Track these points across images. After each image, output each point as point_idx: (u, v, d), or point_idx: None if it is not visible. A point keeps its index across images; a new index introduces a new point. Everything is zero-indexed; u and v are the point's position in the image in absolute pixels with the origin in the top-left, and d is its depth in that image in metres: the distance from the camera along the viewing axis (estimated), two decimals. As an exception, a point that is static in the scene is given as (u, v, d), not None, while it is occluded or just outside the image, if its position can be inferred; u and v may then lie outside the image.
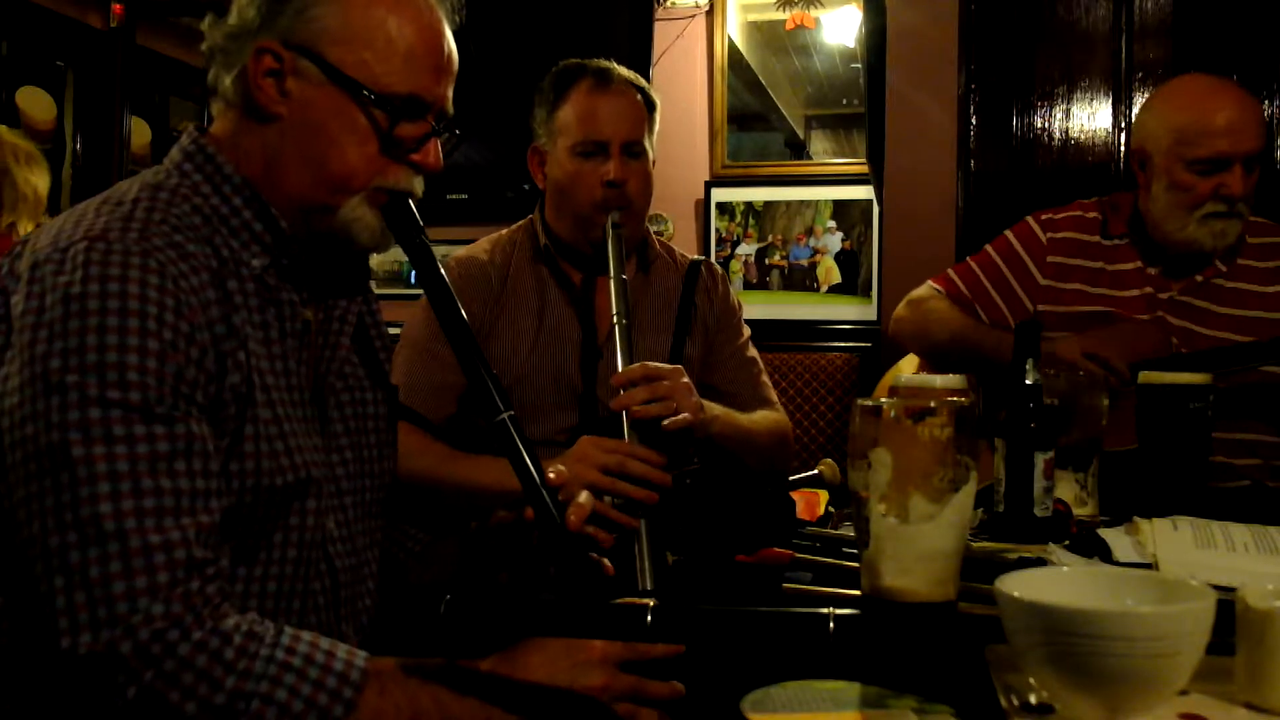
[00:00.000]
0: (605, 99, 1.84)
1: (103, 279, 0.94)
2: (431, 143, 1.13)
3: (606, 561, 1.16)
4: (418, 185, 1.15)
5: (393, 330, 1.35)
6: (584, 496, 1.16)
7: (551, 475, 1.11)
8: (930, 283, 2.29)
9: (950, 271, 2.27)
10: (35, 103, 3.98)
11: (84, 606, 0.88)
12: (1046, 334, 1.85)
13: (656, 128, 1.93)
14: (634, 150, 1.85)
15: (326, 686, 0.91)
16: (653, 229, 2.06)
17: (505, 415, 1.10)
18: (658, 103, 1.93)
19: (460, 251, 1.98)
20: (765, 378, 2.04)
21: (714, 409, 1.75)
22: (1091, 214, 2.17)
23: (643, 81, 1.92)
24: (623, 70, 1.90)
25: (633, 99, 1.87)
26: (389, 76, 1.09)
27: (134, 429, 0.92)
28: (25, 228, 2.84)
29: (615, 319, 1.69)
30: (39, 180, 2.88)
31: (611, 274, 1.74)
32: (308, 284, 1.14)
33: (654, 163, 1.93)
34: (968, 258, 2.29)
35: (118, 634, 0.87)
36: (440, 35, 1.14)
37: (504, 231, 2.00)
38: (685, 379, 1.66)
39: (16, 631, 0.98)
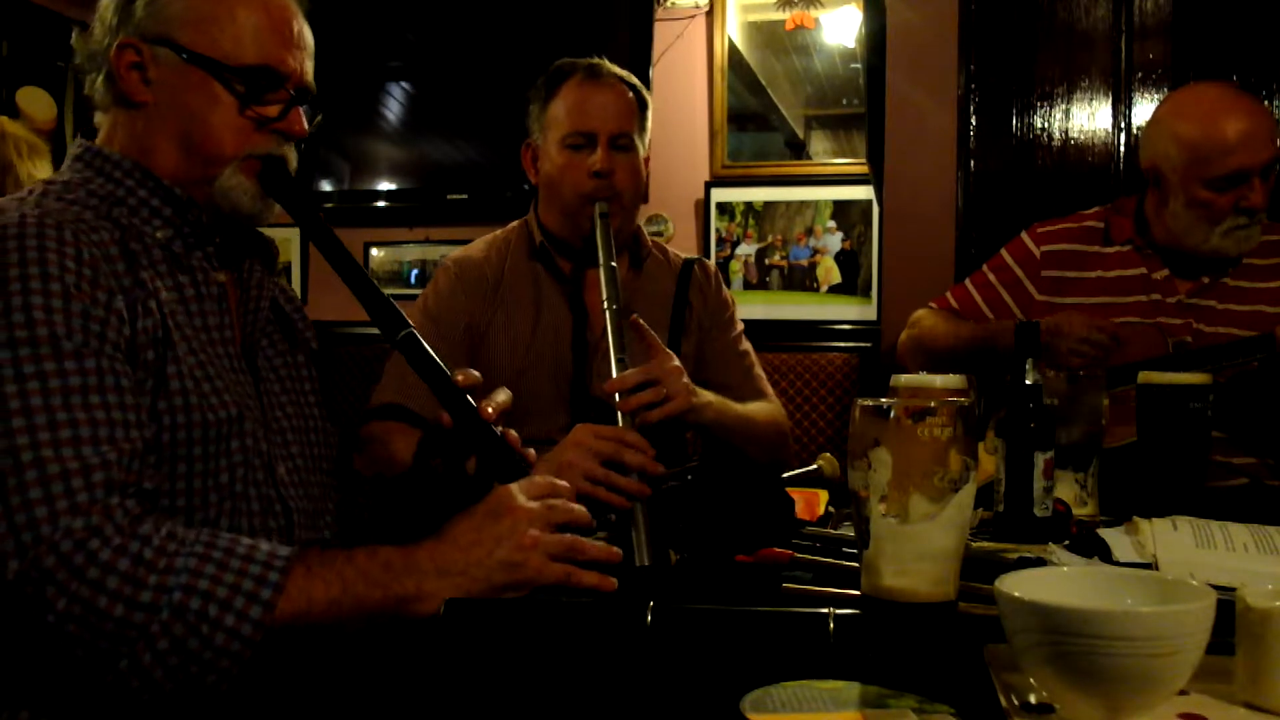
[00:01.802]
0: (594, 91, 1.87)
1: (1, 239, 0.99)
2: (294, 111, 1.21)
3: (531, 451, 1.21)
4: (289, 153, 1.22)
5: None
6: (503, 394, 1.20)
7: (460, 378, 1.16)
8: (930, 304, 2.31)
9: (947, 293, 2.29)
10: (35, 102, 3.98)
11: (8, 534, 0.91)
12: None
13: (649, 125, 1.95)
14: (621, 143, 1.87)
15: (250, 573, 0.94)
16: (653, 229, 2.08)
17: (407, 330, 1.16)
18: (649, 100, 1.95)
19: (456, 252, 2.00)
20: (759, 370, 2.05)
21: (707, 396, 1.76)
22: (1090, 223, 2.17)
23: (634, 79, 1.94)
24: (613, 66, 1.93)
25: (621, 92, 1.89)
26: (240, 50, 1.17)
27: (44, 365, 0.96)
28: None
29: (605, 305, 1.69)
30: (42, 174, 2.85)
31: (600, 261, 1.75)
32: (217, 250, 1.21)
33: (647, 160, 1.94)
34: (965, 279, 2.30)
35: (42, 550, 0.90)
36: (287, 12, 1.22)
37: (500, 231, 2.02)
38: (676, 363, 1.67)
39: None
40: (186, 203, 1.16)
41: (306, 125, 1.23)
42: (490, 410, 1.17)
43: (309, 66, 1.24)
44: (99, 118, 1.22)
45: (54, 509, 0.91)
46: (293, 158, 1.22)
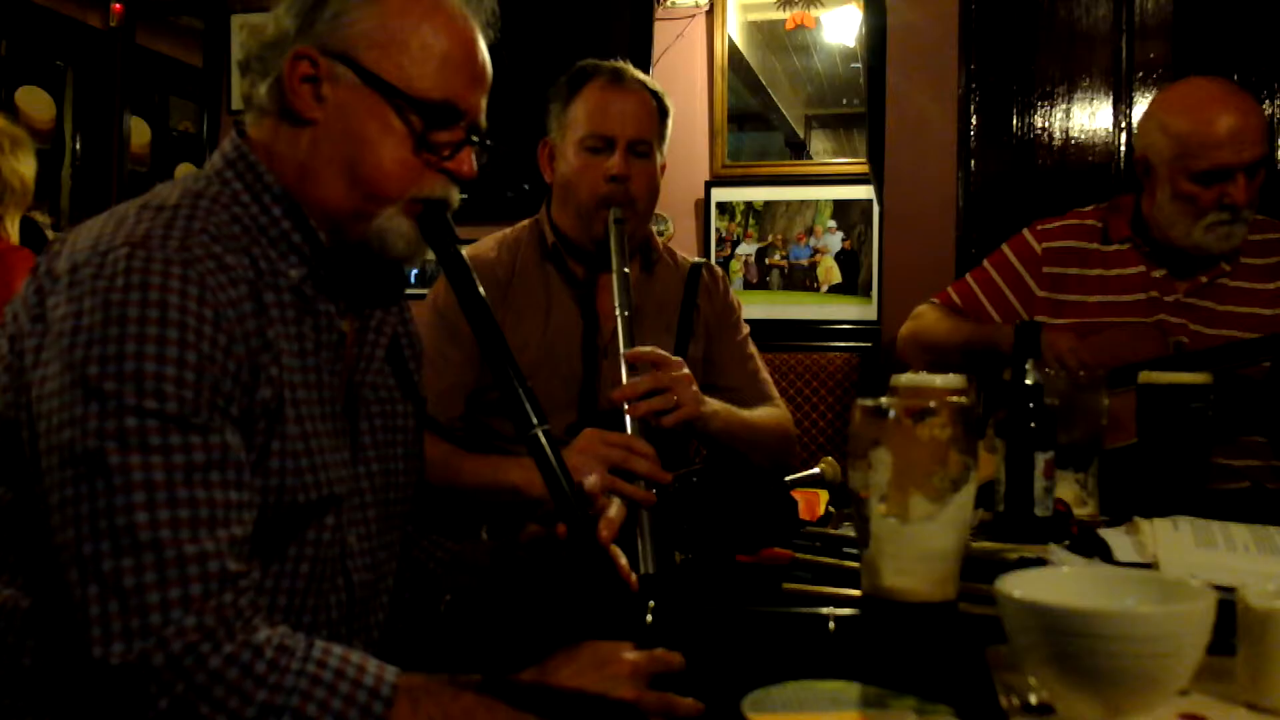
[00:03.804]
0: (616, 96, 1.86)
1: (143, 287, 0.94)
2: (465, 151, 1.14)
3: (634, 577, 1.16)
4: (454, 195, 1.15)
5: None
6: (614, 510, 1.16)
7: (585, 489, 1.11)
8: (931, 299, 2.31)
9: (949, 289, 2.29)
10: (35, 102, 3.98)
11: (117, 616, 0.87)
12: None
13: (668, 133, 1.95)
14: (640, 149, 1.86)
15: (357, 701, 0.90)
16: (653, 229, 2.08)
17: (539, 429, 1.09)
18: (671, 109, 1.95)
19: (466, 249, 1.99)
20: (765, 374, 2.06)
21: (714, 404, 1.77)
22: (1090, 221, 2.18)
23: (657, 86, 1.94)
24: (637, 72, 1.92)
25: (644, 99, 1.89)
26: (424, 81, 1.09)
27: (170, 439, 0.92)
28: (12, 219, 2.77)
29: (618, 311, 1.70)
30: (25, 169, 2.79)
31: (614, 267, 1.75)
32: (344, 295, 1.14)
33: (663, 168, 1.95)
34: (966, 274, 2.30)
35: (150, 645, 0.87)
36: (475, 46, 1.14)
37: (510, 229, 2.01)
38: (686, 371, 1.68)
39: (43, 632, 0.98)
40: (328, 251, 1.10)
41: (475, 167, 1.15)
42: (606, 534, 1.13)
43: (484, 103, 1.16)
44: (251, 117, 1.13)
45: (167, 598, 0.88)
46: (455, 200, 1.15)
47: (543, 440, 1.09)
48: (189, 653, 0.87)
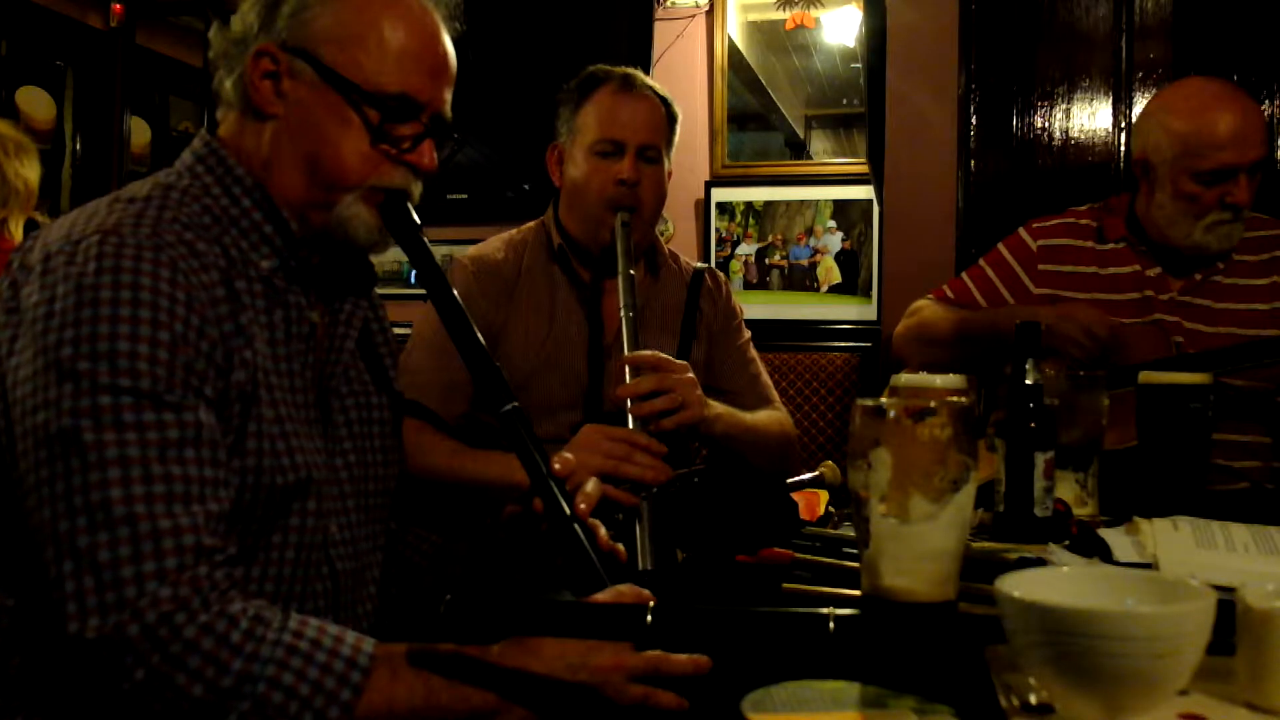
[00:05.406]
0: (627, 101, 1.89)
1: (115, 270, 0.95)
2: (425, 143, 1.15)
3: (620, 547, 1.17)
4: (415, 186, 1.16)
5: (397, 330, 1.36)
6: (591, 485, 1.17)
7: (557, 465, 1.12)
8: (928, 296, 2.31)
9: (944, 286, 2.29)
10: (35, 102, 3.98)
11: (92, 590, 0.88)
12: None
13: (675, 140, 1.98)
14: (649, 155, 1.89)
15: (334, 670, 0.91)
16: (657, 233, 2.09)
17: (511, 406, 1.11)
18: (679, 116, 1.98)
19: (473, 249, 2.01)
20: (766, 377, 2.08)
21: (718, 408, 1.78)
22: (1085, 220, 2.18)
23: (666, 93, 1.97)
24: (648, 79, 1.95)
25: (654, 105, 1.92)
26: (380, 76, 1.11)
27: (144, 416, 0.93)
28: (16, 222, 2.81)
29: (622, 311, 1.71)
30: (29, 173, 2.84)
31: (620, 269, 1.77)
32: (314, 286, 1.15)
33: (670, 174, 1.97)
34: (962, 272, 2.30)
35: (125, 617, 0.87)
36: (435, 39, 1.16)
37: (516, 230, 2.03)
38: (690, 374, 1.69)
39: (29, 630, 0.99)
40: (299, 241, 1.12)
41: (437, 159, 1.16)
42: (584, 506, 1.13)
43: (448, 96, 1.17)
44: (221, 112, 1.16)
45: (141, 571, 0.88)
46: (417, 191, 1.16)
47: (515, 417, 1.11)
48: (164, 622, 0.88)
